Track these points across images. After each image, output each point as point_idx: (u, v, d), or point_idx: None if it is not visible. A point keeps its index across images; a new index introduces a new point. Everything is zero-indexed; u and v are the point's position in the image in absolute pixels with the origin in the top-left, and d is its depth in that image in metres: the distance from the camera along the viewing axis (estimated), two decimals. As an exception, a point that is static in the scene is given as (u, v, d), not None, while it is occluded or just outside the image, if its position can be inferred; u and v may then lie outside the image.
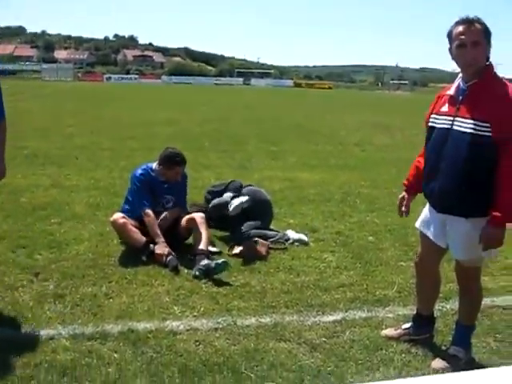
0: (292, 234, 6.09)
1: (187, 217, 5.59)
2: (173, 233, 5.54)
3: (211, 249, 5.49)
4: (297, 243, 5.97)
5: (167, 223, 5.57)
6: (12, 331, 3.81)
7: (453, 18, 3.40)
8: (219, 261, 4.99)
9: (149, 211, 5.46)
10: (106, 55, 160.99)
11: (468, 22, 3.29)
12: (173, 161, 5.66)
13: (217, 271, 4.92)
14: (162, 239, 5.33)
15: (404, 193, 3.90)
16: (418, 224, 3.82)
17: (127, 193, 5.82)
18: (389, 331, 3.97)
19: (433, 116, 3.53)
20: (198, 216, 5.53)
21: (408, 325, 3.94)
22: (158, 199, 5.69)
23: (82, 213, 6.84)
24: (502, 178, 3.21)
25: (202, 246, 5.24)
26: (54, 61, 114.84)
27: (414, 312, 3.99)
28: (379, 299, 4.59)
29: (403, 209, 3.91)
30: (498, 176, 3.22)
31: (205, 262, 4.97)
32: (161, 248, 5.24)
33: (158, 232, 5.38)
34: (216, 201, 6.18)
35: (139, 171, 5.71)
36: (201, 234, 5.35)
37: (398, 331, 3.93)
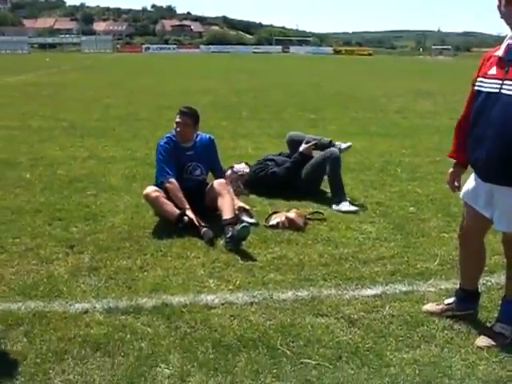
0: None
1: (209, 186, 5.50)
2: (199, 205, 5.42)
3: (248, 219, 5.37)
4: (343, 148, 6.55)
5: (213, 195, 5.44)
6: (46, 304, 3.78)
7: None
8: (239, 226, 4.85)
9: (172, 180, 5.38)
10: (145, 26, 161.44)
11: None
12: (179, 110, 5.60)
13: (241, 237, 4.83)
14: (188, 207, 5.26)
15: (452, 168, 3.68)
16: (462, 194, 3.61)
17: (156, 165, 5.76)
18: (430, 306, 3.80)
19: (479, 79, 3.29)
20: (218, 183, 5.44)
21: (451, 300, 3.76)
22: (184, 167, 5.60)
23: (118, 184, 6.83)
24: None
25: (225, 216, 5.12)
26: (93, 33, 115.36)
27: (457, 286, 3.81)
28: (421, 272, 4.42)
29: (455, 184, 3.68)
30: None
31: (229, 233, 4.86)
32: (191, 214, 5.20)
33: (184, 199, 5.29)
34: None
35: (164, 140, 5.63)
36: (223, 202, 5.24)
37: (441, 306, 3.76)
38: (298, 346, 3.34)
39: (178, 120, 5.57)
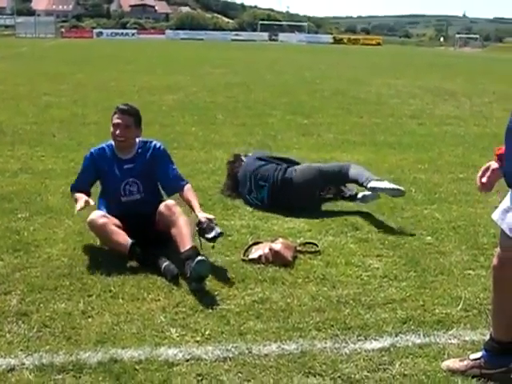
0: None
1: (158, 211, 5.43)
2: (151, 232, 5.40)
3: (209, 235, 5.12)
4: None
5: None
6: (-39, 360, 3.73)
7: None
8: (193, 262, 4.73)
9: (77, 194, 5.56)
10: (97, 5, 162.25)
11: None
12: (117, 108, 5.63)
13: (199, 276, 4.76)
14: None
15: (491, 162, 3.47)
16: (496, 216, 3.54)
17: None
18: (452, 363, 3.80)
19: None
20: (164, 207, 5.35)
21: (478, 354, 3.76)
22: (117, 184, 5.60)
23: (57, 205, 6.78)
24: None
25: (182, 247, 5.02)
26: (32, 13, 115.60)
27: (487, 337, 3.81)
28: (440, 320, 4.42)
29: (483, 180, 3.49)
30: None
31: (188, 270, 4.79)
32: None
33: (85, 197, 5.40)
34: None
35: (93, 148, 5.78)
36: (176, 231, 5.15)
37: (465, 363, 3.76)
38: (284, 414, 3.32)
39: (116, 121, 5.52)
